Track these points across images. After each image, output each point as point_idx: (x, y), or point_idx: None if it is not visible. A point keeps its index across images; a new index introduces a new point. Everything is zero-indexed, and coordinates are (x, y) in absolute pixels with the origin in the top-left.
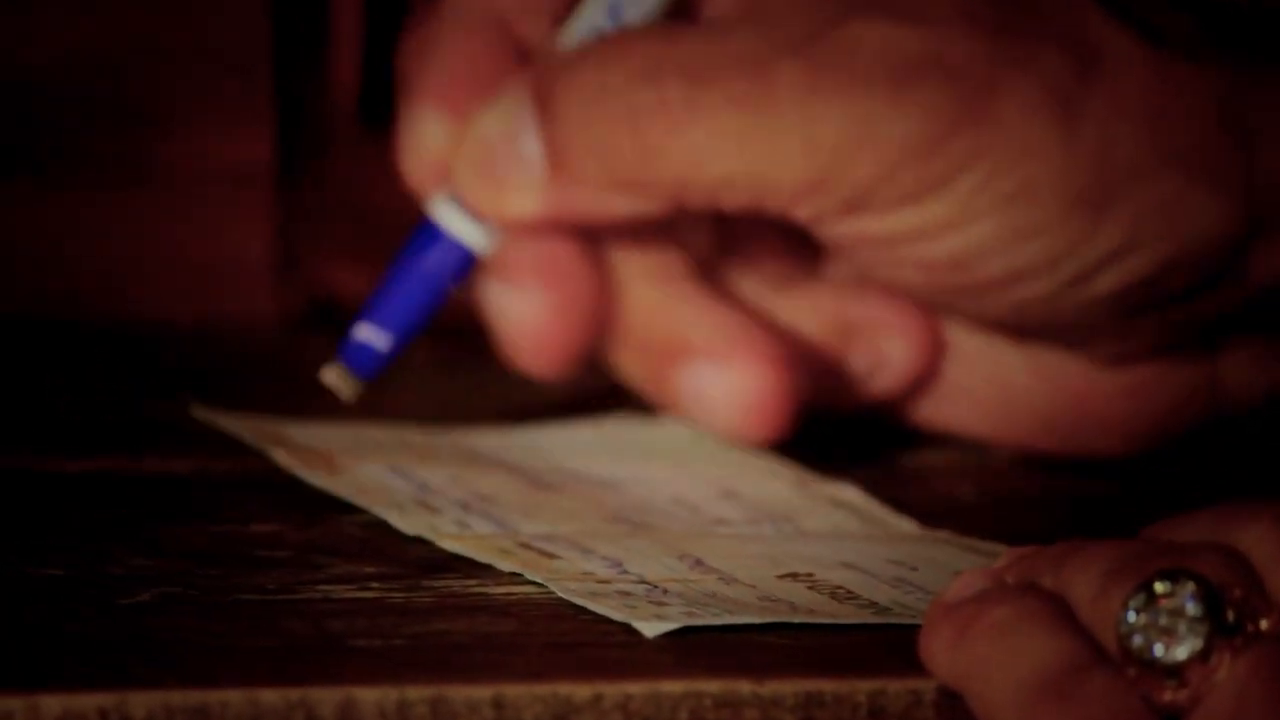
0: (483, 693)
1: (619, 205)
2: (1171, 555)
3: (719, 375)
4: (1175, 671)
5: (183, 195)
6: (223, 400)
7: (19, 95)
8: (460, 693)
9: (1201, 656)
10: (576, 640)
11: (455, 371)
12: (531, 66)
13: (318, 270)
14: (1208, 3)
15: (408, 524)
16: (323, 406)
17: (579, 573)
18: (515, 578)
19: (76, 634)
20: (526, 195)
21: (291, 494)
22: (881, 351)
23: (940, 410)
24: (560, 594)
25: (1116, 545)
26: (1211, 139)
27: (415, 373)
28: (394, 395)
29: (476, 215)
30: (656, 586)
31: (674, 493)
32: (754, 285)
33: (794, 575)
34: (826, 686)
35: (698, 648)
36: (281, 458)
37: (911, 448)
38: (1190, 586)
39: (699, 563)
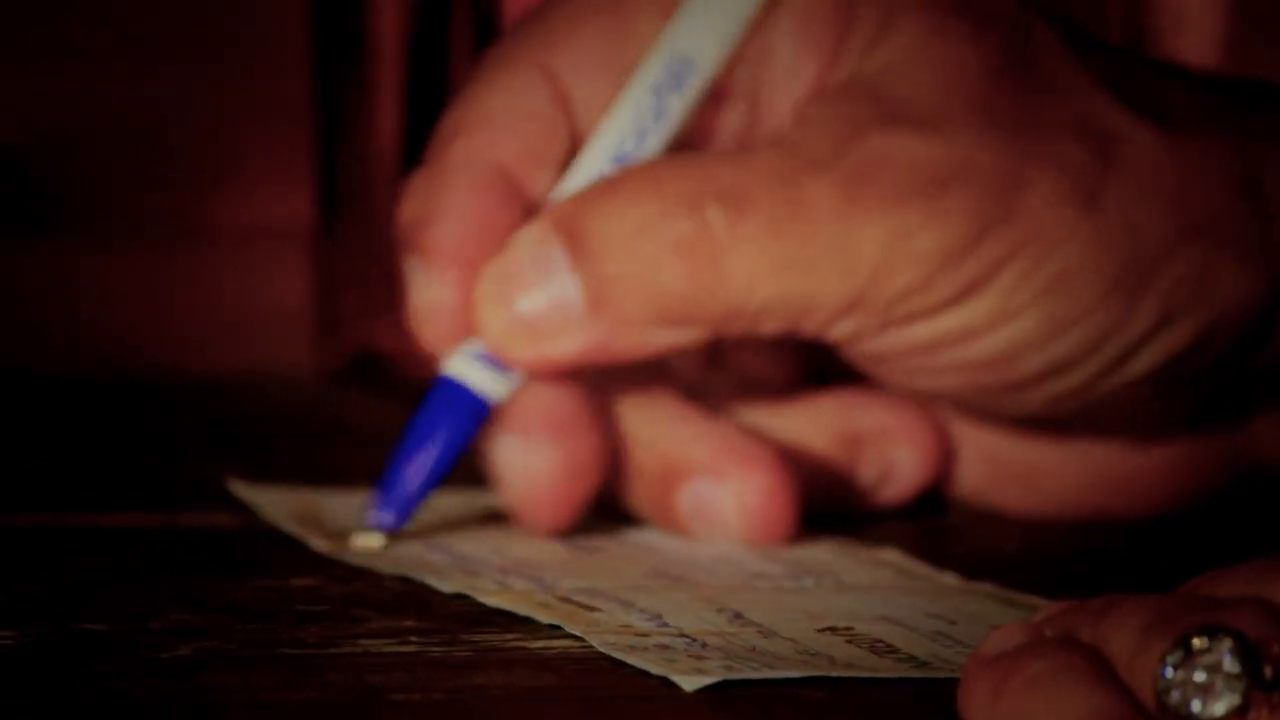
0: None
1: (661, 339)
2: (1209, 610)
3: (719, 489)
4: None
5: (224, 251)
6: (263, 456)
7: (59, 154)
8: None
9: (1239, 712)
10: (615, 694)
11: None
12: (547, 209)
13: (357, 325)
14: (1210, 76)
15: (447, 585)
16: (362, 462)
17: (618, 625)
18: (554, 631)
19: (118, 689)
20: (565, 338)
21: None
22: (890, 460)
23: (964, 491)
24: (599, 647)
25: (1155, 600)
26: (1231, 209)
27: None
28: None
29: (510, 364)
30: (696, 640)
31: (715, 551)
32: (751, 407)
33: (833, 629)
34: None
35: (737, 701)
36: (320, 547)
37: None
38: (1228, 642)
39: (738, 616)
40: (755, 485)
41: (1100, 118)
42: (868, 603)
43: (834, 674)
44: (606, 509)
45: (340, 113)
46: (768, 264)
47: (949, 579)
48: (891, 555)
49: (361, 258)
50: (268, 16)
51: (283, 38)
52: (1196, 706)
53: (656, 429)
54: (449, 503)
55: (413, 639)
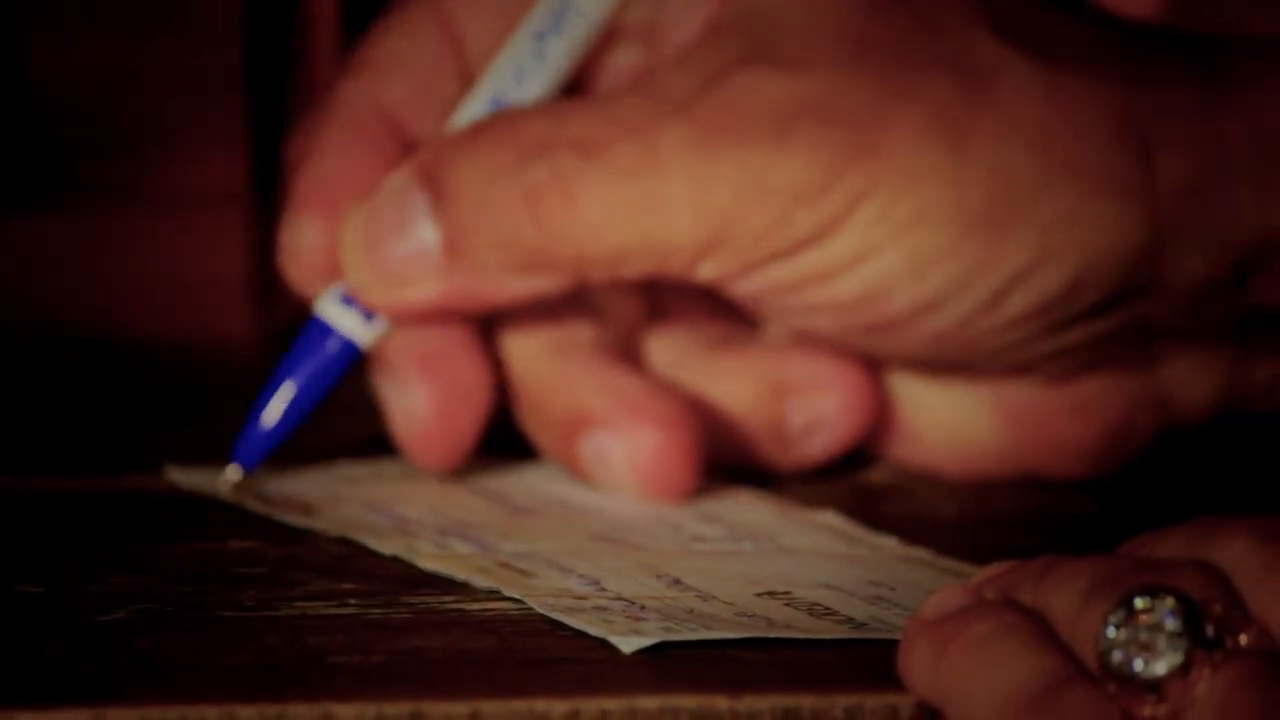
0: (460, 708)
1: (518, 286)
2: (1151, 571)
3: (617, 441)
4: (1155, 686)
5: (160, 216)
6: (203, 419)
7: None
8: (437, 708)
9: (1181, 671)
10: (553, 656)
11: None
12: (416, 153)
13: (296, 290)
14: (1102, 16)
15: (386, 547)
16: (300, 427)
17: (556, 589)
18: (492, 594)
19: (55, 651)
20: (423, 285)
21: None
22: (816, 410)
23: (897, 452)
24: (538, 609)
25: (1096, 561)
26: (1108, 152)
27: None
28: (372, 417)
29: (371, 309)
30: (634, 603)
31: (654, 515)
32: (684, 351)
33: (772, 593)
34: (803, 701)
35: (675, 663)
36: (258, 508)
37: (889, 466)
38: (1170, 602)
39: (677, 581)
40: (646, 440)
41: (977, 53)
42: (807, 566)
43: (771, 635)
44: (553, 466)
45: (276, 76)
46: (619, 210)
47: (887, 542)
48: (830, 519)
49: None
50: None
51: (216, 3)
52: (1139, 665)
53: (564, 377)
54: (391, 467)
55: (351, 601)
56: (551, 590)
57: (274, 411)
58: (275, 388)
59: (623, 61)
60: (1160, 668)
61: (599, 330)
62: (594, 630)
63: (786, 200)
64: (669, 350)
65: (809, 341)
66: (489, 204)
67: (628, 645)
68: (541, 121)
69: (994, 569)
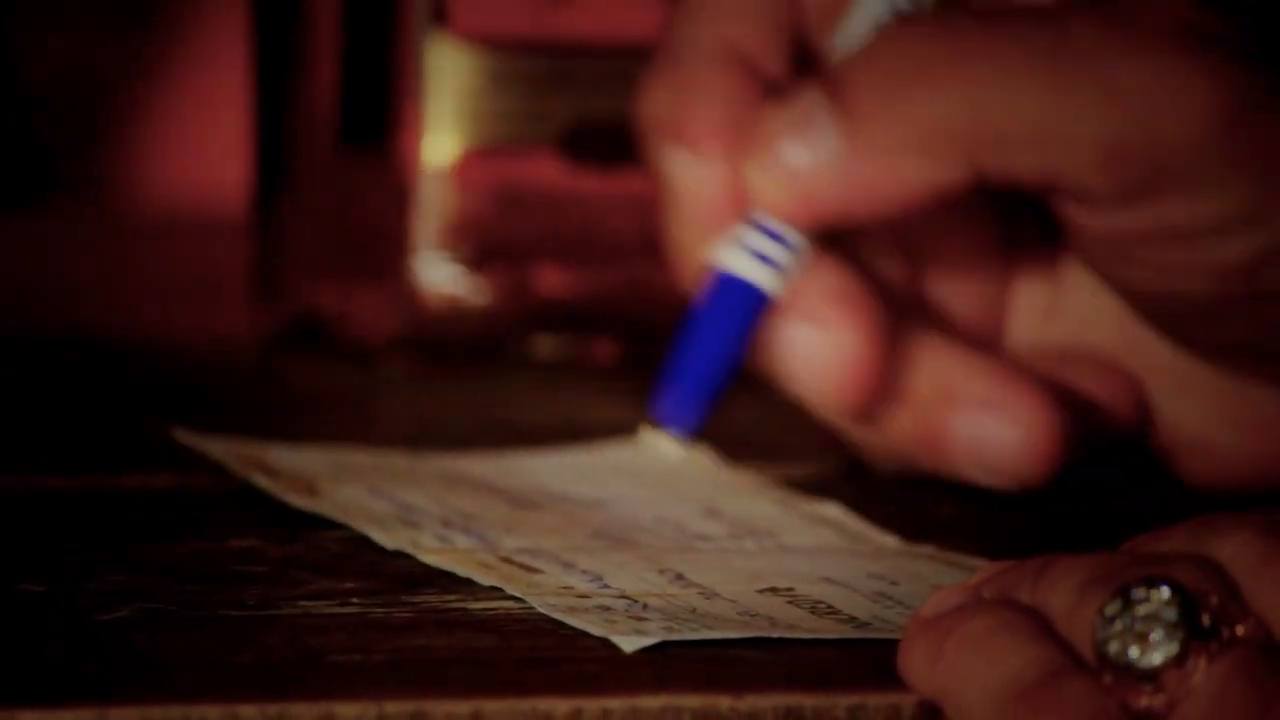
0: (462, 708)
1: (915, 172)
2: (1148, 564)
3: (994, 423)
4: (1151, 676)
5: (162, 214)
6: (204, 418)
7: None
8: (439, 707)
9: (1177, 661)
10: (556, 655)
11: (434, 391)
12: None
13: (297, 288)
14: None
15: (389, 539)
16: (302, 424)
17: (559, 587)
18: (495, 592)
19: (56, 650)
20: (823, 176)
21: (270, 510)
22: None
23: (1183, 461)
24: (540, 608)
25: (1092, 558)
26: None
27: (394, 392)
28: (373, 415)
29: (774, 214)
30: (636, 601)
31: (658, 512)
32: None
33: (774, 590)
34: (806, 701)
35: (677, 662)
36: (262, 482)
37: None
38: (1166, 592)
39: (680, 577)
40: (1031, 423)
41: None
42: (810, 564)
43: (774, 635)
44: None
45: (278, 78)
46: (1019, 87)
47: (890, 540)
48: (833, 511)
49: (299, 220)
50: None
51: (220, 4)
52: (1135, 655)
53: (929, 354)
54: (396, 460)
55: (353, 600)
56: (554, 587)
57: (708, 370)
58: (699, 346)
59: None
60: (1156, 658)
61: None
62: (596, 630)
63: (1203, 118)
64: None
65: (1089, 354)
66: (887, 83)
67: (629, 644)
68: (944, 19)
69: (993, 568)
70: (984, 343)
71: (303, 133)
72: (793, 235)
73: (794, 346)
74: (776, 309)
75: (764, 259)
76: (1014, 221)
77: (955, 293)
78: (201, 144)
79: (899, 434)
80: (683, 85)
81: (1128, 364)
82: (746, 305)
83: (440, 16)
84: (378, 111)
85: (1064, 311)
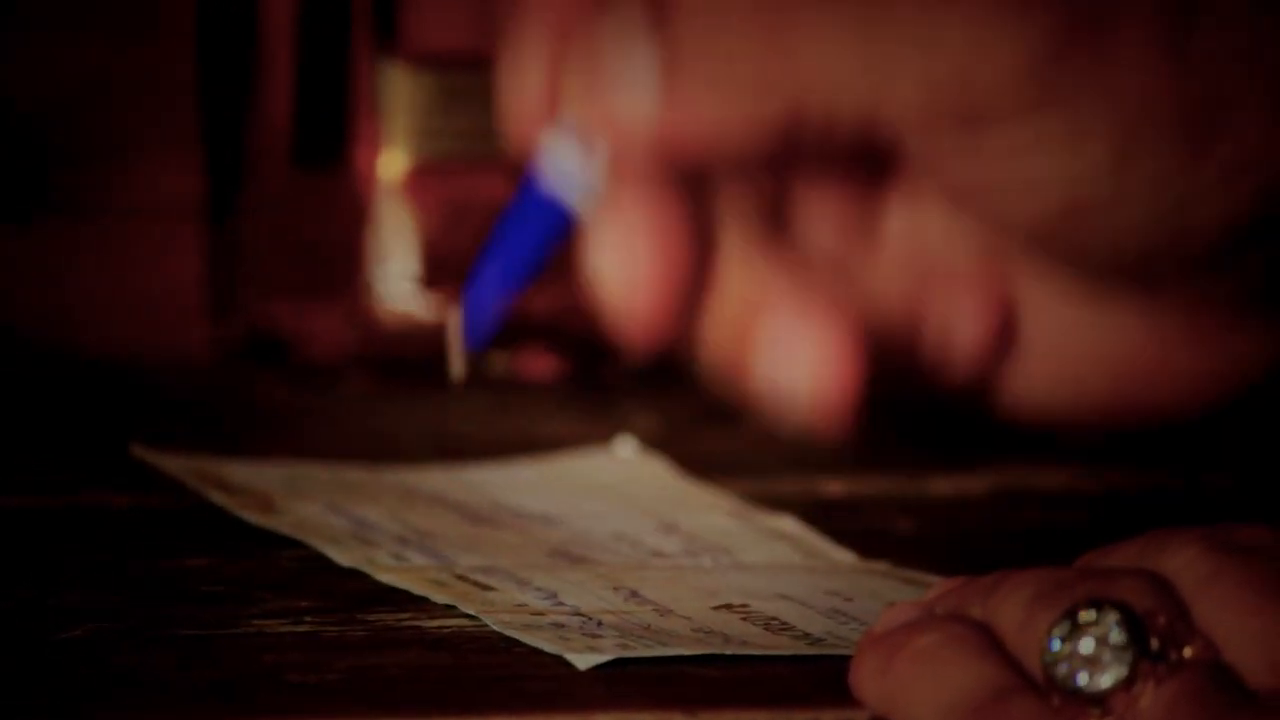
0: None
1: (734, 118)
2: (1096, 582)
3: (786, 363)
4: (1100, 700)
5: (115, 230)
6: (160, 434)
7: None
8: None
9: (1125, 684)
10: (510, 673)
11: (389, 404)
12: None
13: (251, 304)
14: None
15: (345, 557)
16: (258, 440)
17: (513, 605)
18: (449, 611)
19: (11, 669)
20: (639, 105)
21: (226, 528)
22: (953, 324)
23: (1012, 382)
24: (494, 626)
25: (1043, 573)
26: None
27: (350, 408)
28: (329, 431)
29: (586, 135)
30: (591, 618)
31: (614, 527)
32: (821, 235)
33: (729, 606)
34: (760, 717)
35: (631, 680)
36: (219, 499)
37: (847, 477)
38: (1114, 615)
39: (634, 594)
40: (825, 374)
41: None
42: (765, 580)
43: (728, 651)
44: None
45: (231, 91)
46: (844, 40)
47: (846, 556)
48: (790, 525)
49: (254, 235)
50: None
51: (171, 15)
52: (1083, 679)
53: (746, 278)
54: (354, 474)
55: (308, 619)
56: (508, 605)
57: (493, 280)
58: (494, 254)
59: None
60: (1105, 681)
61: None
62: (550, 648)
63: (1017, 61)
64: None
65: (951, 237)
66: (709, 23)
67: (583, 662)
68: None
69: (946, 584)
70: (849, 263)
71: (257, 151)
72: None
73: (597, 259)
74: (583, 220)
75: (574, 168)
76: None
77: (819, 214)
78: (155, 157)
79: (709, 355)
80: None
81: (997, 282)
82: (549, 214)
83: (390, 35)
84: (331, 130)
85: (930, 229)
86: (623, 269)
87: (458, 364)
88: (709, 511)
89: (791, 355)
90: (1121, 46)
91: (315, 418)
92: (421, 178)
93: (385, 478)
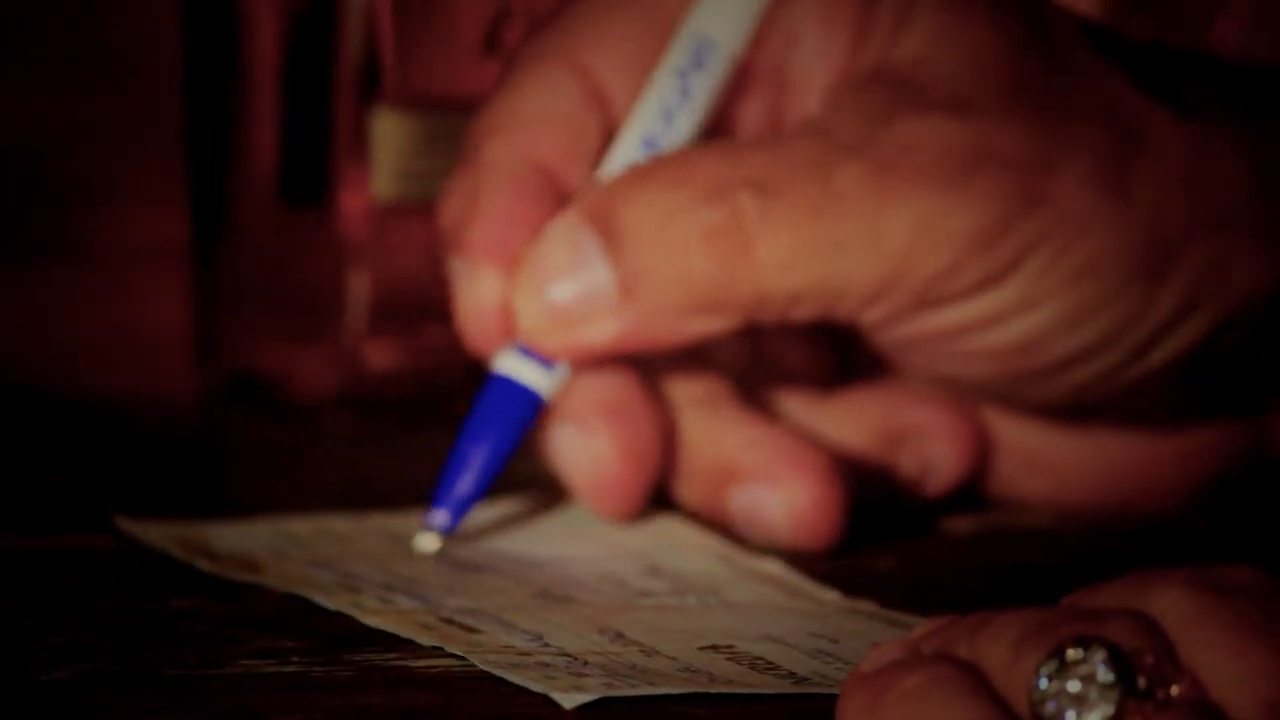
0: None
1: (694, 327)
2: (1083, 621)
3: (770, 494)
4: None
5: (99, 272)
6: (144, 477)
7: None
8: None
9: None
10: (496, 712)
11: (375, 446)
12: (579, 198)
13: (236, 347)
14: (1225, 64)
15: (331, 602)
16: (241, 484)
17: (500, 645)
18: (436, 651)
19: None
20: (598, 326)
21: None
22: (928, 457)
23: (999, 487)
24: (481, 666)
25: (1030, 613)
26: (1247, 199)
27: (335, 451)
28: (313, 474)
29: (546, 356)
30: (577, 658)
31: (600, 569)
32: (792, 401)
33: (715, 647)
34: None
35: (617, 719)
36: (205, 566)
37: None
38: (1102, 653)
39: (620, 635)
40: (806, 493)
41: (1124, 103)
42: (750, 621)
43: (713, 690)
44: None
45: (217, 134)
46: (800, 249)
47: (831, 596)
48: (774, 567)
49: (239, 278)
50: (140, 40)
51: (155, 60)
52: (1071, 717)
53: (712, 429)
54: (339, 524)
55: (294, 659)
56: (495, 646)
57: (469, 473)
58: (467, 448)
59: (756, 109)
60: (1093, 719)
61: (732, 381)
62: (536, 686)
63: (961, 246)
64: (774, 402)
65: (925, 388)
66: (665, 244)
67: (570, 701)
68: (715, 161)
69: (933, 623)
70: (821, 391)
71: (242, 191)
72: None
73: (561, 452)
74: (547, 414)
75: (542, 361)
76: None
77: (790, 349)
78: (139, 200)
79: (687, 500)
80: (474, 197)
81: (966, 402)
82: (516, 409)
83: (375, 76)
84: (316, 172)
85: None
86: (586, 455)
87: (424, 547)
88: (694, 553)
89: (769, 498)
90: (1062, 201)
91: (300, 460)
92: (405, 220)
93: (371, 523)
